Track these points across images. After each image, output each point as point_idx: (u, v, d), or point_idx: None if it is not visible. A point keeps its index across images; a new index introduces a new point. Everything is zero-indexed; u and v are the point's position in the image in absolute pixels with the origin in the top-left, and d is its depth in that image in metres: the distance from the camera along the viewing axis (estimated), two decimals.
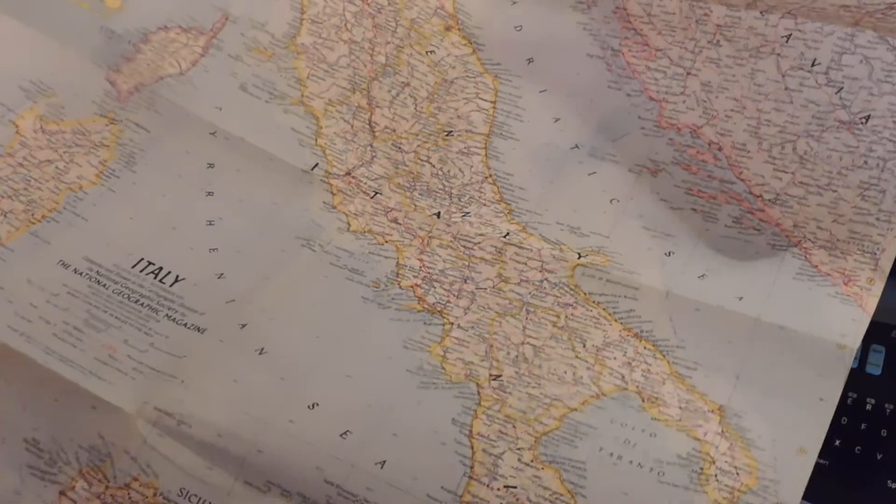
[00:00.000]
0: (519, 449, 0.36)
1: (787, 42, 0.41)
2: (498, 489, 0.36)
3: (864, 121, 0.39)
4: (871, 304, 0.37)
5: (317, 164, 0.44)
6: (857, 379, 0.40)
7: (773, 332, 0.37)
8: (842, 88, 0.40)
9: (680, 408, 0.37)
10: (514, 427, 0.37)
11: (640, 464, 0.36)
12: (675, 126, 0.42)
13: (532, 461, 0.36)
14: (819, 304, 0.38)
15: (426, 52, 0.46)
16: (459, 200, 0.43)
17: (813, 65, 0.40)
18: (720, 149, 0.41)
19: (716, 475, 0.35)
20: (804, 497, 0.35)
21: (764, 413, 0.36)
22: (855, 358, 0.39)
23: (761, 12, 0.41)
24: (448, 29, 0.46)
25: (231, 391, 0.38)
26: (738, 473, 0.35)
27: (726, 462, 0.35)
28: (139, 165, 0.44)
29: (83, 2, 0.47)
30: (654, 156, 0.42)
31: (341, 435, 0.37)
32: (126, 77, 0.45)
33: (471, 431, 0.37)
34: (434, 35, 0.46)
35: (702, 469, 0.35)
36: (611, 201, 0.42)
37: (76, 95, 0.45)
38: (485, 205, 0.43)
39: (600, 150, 0.43)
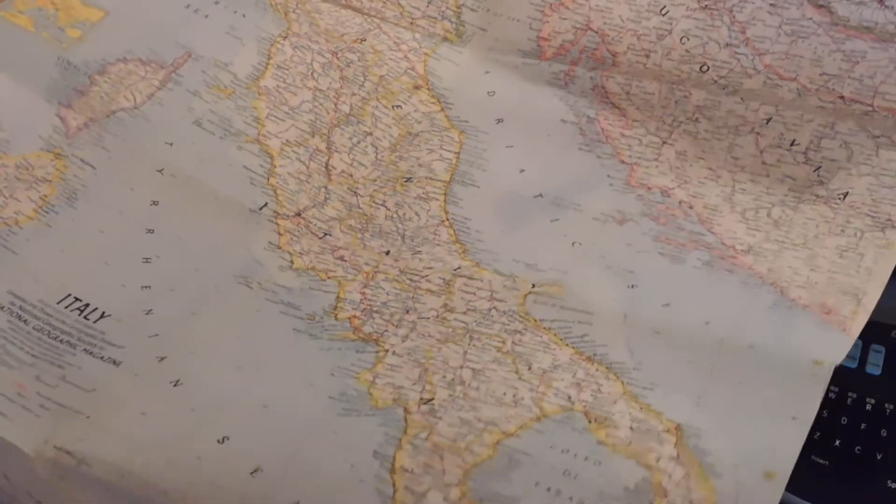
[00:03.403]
0: (446, 485, 0.32)
1: (766, 124, 0.40)
2: None
3: (841, 197, 0.38)
4: (856, 329, 0.34)
5: (266, 204, 0.41)
6: (857, 379, 0.39)
7: (741, 352, 0.34)
8: (820, 167, 0.38)
9: (631, 428, 0.33)
10: (441, 459, 0.32)
11: (581, 500, 0.32)
12: (645, 186, 0.40)
13: (460, 498, 0.32)
14: (795, 327, 0.35)
15: (392, 107, 0.44)
16: (412, 241, 0.40)
17: (792, 144, 0.39)
18: (691, 207, 0.39)
19: None
20: (804, 497, 0.34)
21: (727, 432, 0.32)
22: (855, 358, 0.39)
23: (741, 98, 0.40)
24: (417, 88, 0.45)
25: (137, 426, 0.34)
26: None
27: (681, 495, 0.31)
28: (80, 202, 0.41)
29: (44, 32, 0.46)
30: (621, 207, 0.40)
31: (251, 473, 0.33)
32: (77, 112, 0.44)
33: (393, 466, 0.33)
34: (402, 91, 0.45)
35: (652, 502, 0.31)
36: (572, 244, 0.39)
37: (23, 130, 0.43)
38: (439, 245, 0.40)
39: (565, 201, 0.41)
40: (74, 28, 0.46)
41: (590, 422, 0.33)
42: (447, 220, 0.41)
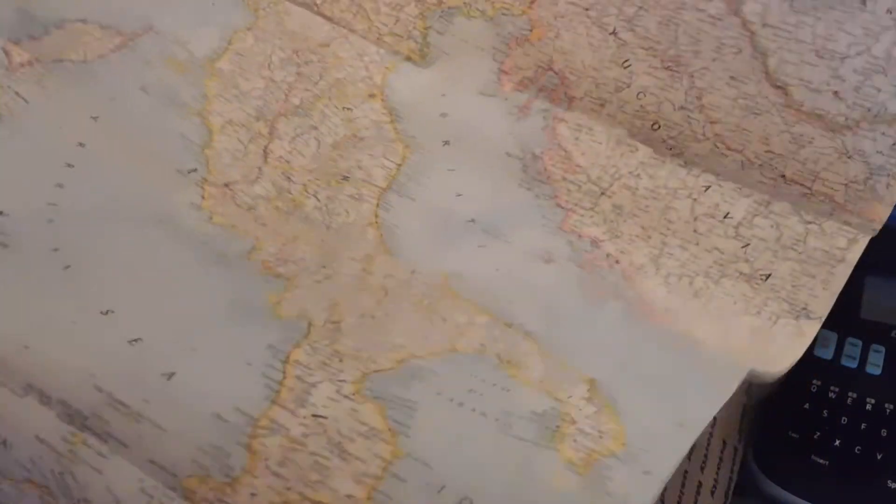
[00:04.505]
0: (340, 381, 0.31)
1: (704, 191, 0.40)
2: (304, 417, 0.31)
3: (763, 278, 0.38)
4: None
5: (196, 169, 0.41)
6: (857, 379, 0.40)
7: (656, 352, 0.35)
8: (748, 245, 0.39)
9: (544, 371, 0.33)
10: (340, 361, 0.32)
11: (483, 413, 0.32)
12: (576, 233, 0.40)
13: (353, 394, 0.31)
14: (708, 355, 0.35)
15: (343, 108, 0.44)
16: (337, 233, 0.39)
17: (725, 217, 0.39)
18: (617, 262, 0.39)
19: (574, 436, 0.31)
20: (803, 497, 0.36)
21: (641, 394, 0.33)
22: (855, 358, 0.40)
23: (685, 162, 0.40)
24: (371, 96, 0.45)
25: (16, 291, 0.34)
26: (601, 437, 0.31)
27: (589, 424, 0.32)
28: (3, 127, 0.40)
29: None
30: (549, 248, 0.40)
31: (130, 342, 0.32)
32: (23, 50, 0.43)
33: (287, 357, 0.32)
34: (356, 96, 0.45)
35: (558, 427, 0.31)
36: (496, 269, 0.39)
37: None
38: (363, 240, 0.39)
39: (495, 230, 0.41)
40: None
41: (501, 361, 0.33)
42: (376, 223, 0.40)
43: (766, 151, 0.40)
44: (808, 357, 0.36)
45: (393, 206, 0.41)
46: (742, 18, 0.40)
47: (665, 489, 0.32)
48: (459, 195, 0.42)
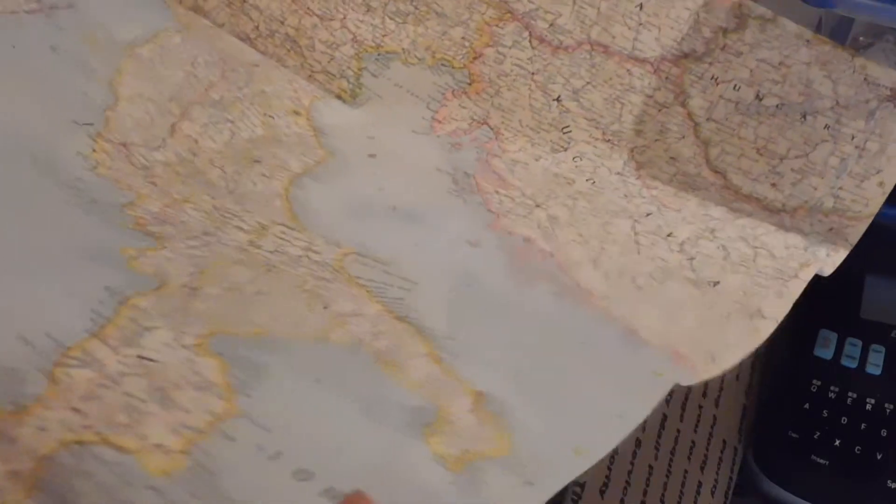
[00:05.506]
0: (182, 332, 0.26)
1: (646, 216, 0.38)
2: (126, 356, 0.26)
3: (712, 284, 0.35)
4: (706, 375, 0.31)
5: (92, 124, 0.36)
6: (857, 379, 0.41)
7: (574, 347, 0.30)
8: (694, 259, 0.36)
9: (426, 377, 0.28)
10: (186, 316, 0.27)
11: (343, 393, 0.27)
12: (508, 232, 0.37)
13: (194, 345, 0.26)
14: (641, 352, 0.31)
15: (265, 114, 0.41)
16: (241, 199, 0.35)
17: (668, 236, 0.37)
18: (552, 255, 0.36)
19: (448, 433, 0.26)
20: (804, 497, 0.37)
21: (539, 411, 0.28)
22: (855, 358, 0.41)
23: (625, 195, 0.39)
24: (296, 113, 0.42)
25: None
26: (479, 440, 0.26)
27: (469, 433, 0.27)
28: None
29: None
30: (477, 237, 0.37)
31: None
32: None
33: (125, 300, 0.27)
34: (280, 108, 0.42)
35: (431, 423, 0.27)
36: (415, 244, 0.35)
37: None
38: (268, 208, 0.35)
39: (418, 219, 0.37)
40: None
41: (377, 360, 0.28)
42: (286, 197, 0.36)
43: (704, 214, 0.38)
44: (808, 357, 0.36)
45: (306, 186, 0.37)
46: (688, 110, 0.40)
47: (665, 489, 0.29)
48: (381, 189, 0.38)
